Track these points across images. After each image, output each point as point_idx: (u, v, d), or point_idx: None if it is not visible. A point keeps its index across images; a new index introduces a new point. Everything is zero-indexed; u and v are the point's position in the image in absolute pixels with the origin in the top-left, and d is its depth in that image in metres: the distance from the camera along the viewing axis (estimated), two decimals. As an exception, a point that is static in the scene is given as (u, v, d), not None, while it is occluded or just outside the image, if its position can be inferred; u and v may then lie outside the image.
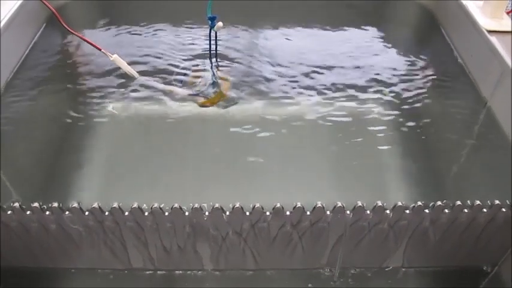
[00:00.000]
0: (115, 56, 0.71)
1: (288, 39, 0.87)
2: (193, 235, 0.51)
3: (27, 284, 0.55)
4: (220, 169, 0.64)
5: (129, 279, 0.55)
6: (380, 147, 0.67)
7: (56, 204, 0.48)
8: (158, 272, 0.55)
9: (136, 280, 0.55)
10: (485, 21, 0.72)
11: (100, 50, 0.69)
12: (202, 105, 0.73)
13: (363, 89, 0.76)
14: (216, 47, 0.78)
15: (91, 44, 0.69)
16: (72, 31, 0.71)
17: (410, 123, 0.70)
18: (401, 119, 0.71)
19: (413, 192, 0.61)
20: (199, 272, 0.55)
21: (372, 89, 0.76)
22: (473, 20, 0.74)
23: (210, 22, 0.71)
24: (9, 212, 0.48)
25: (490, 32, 0.70)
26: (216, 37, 0.76)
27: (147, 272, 0.55)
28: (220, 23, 0.71)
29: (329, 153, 0.66)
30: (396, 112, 0.72)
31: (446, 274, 0.57)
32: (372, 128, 0.69)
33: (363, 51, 0.84)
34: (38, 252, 0.54)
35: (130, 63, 0.75)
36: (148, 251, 0.53)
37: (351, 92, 0.75)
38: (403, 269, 0.56)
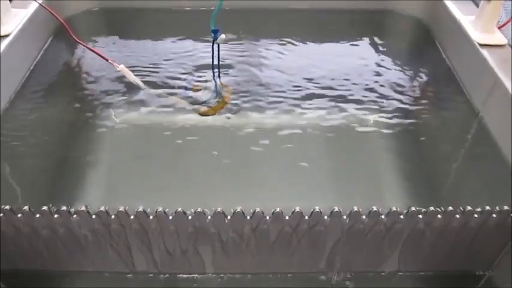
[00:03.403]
0: (121, 66, 0.73)
1: (286, 50, 0.89)
2: (195, 238, 0.53)
3: (33, 287, 0.56)
4: (221, 175, 0.65)
5: (133, 282, 0.56)
6: (375, 155, 0.69)
7: (64, 208, 0.49)
8: (161, 275, 0.57)
9: (140, 283, 0.56)
10: (477, 36, 0.74)
11: (107, 60, 0.71)
12: (204, 114, 0.75)
13: (360, 99, 0.78)
14: (218, 59, 0.80)
15: (98, 54, 0.71)
16: (80, 42, 0.73)
17: (405, 133, 0.72)
18: (396, 129, 0.73)
19: (407, 199, 0.63)
20: (201, 275, 0.57)
21: (368, 100, 0.78)
22: (466, 34, 0.76)
23: (213, 35, 0.73)
24: (19, 215, 0.50)
25: (482, 45, 0.73)
26: (218, 49, 0.78)
27: (151, 275, 0.57)
28: (223, 36, 0.73)
29: (327, 160, 0.68)
30: (391, 122, 0.74)
31: (441, 279, 0.58)
32: (367, 137, 0.71)
33: (359, 63, 0.87)
34: (44, 255, 0.55)
35: (136, 74, 0.77)
36: (152, 254, 0.54)
37: (348, 102, 0.77)
38: (399, 273, 0.57)
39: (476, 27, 0.76)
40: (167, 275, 0.57)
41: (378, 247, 0.54)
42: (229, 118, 0.74)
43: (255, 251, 0.54)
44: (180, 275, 0.57)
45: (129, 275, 0.57)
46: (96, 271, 0.57)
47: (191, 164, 0.67)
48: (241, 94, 0.78)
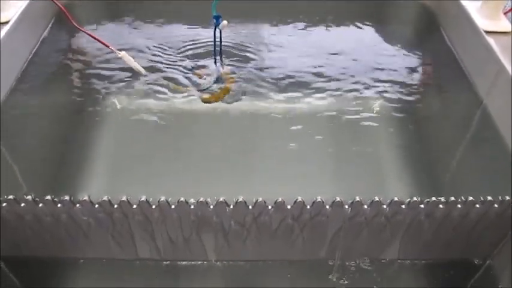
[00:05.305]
0: (123, 53, 0.72)
1: (289, 36, 0.88)
2: (197, 227, 0.53)
3: (38, 273, 0.57)
4: (224, 163, 0.66)
5: (137, 269, 0.57)
6: (378, 144, 0.69)
7: (67, 197, 0.50)
8: (164, 262, 0.57)
9: (143, 269, 0.57)
10: (483, 22, 0.73)
11: (108, 47, 0.70)
12: (206, 101, 0.75)
13: (363, 86, 0.77)
14: (220, 45, 0.79)
15: (99, 41, 0.70)
16: (80, 28, 0.72)
17: (408, 121, 0.72)
18: (399, 117, 0.73)
19: (409, 188, 0.63)
20: (204, 262, 0.57)
21: (371, 87, 0.77)
22: (471, 21, 0.75)
23: (215, 21, 0.72)
24: (22, 205, 0.50)
25: (487, 32, 0.72)
26: (220, 35, 0.78)
27: (154, 262, 0.57)
28: (225, 22, 0.72)
29: (330, 148, 0.68)
30: (394, 110, 0.74)
31: (440, 266, 0.58)
32: (370, 124, 0.71)
33: (364, 49, 0.86)
34: (48, 242, 0.55)
35: (137, 60, 0.76)
36: (155, 242, 0.55)
37: (351, 89, 0.77)
38: (399, 261, 0.58)
39: (481, 14, 0.74)
40: (170, 262, 0.57)
41: (379, 236, 0.54)
42: (231, 105, 0.74)
43: (256, 240, 0.55)
44: (183, 262, 0.57)
45: (132, 262, 0.57)
46: (101, 258, 0.57)
47: (193, 151, 0.67)
48: (243, 81, 0.78)
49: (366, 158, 0.67)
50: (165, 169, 0.65)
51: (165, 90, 0.76)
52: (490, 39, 0.70)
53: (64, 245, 0.56)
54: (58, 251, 0.57)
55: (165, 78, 0.78)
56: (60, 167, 0.65)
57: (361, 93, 0.77)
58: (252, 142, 0.69)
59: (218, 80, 0.78)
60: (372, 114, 0.73)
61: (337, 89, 0.77)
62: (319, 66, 0.81)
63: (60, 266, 0.57)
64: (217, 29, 0.75)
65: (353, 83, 0.78)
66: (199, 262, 0.57)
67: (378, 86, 0.78)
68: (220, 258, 0.57)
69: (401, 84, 0.78)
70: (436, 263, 0.58)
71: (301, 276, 0.57)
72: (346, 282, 0.56)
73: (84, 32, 0.72)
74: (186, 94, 0.75)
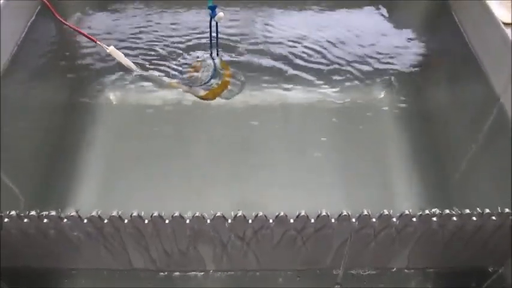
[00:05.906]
0: (111, 48, 0.68)
1: (291, 23, 0.83)
2: (194, 240, 0.50)
3: (30, 284, 0.55)
4: (222, 166, 0.63)
5: (131, 279, 0.55)
6: (385, 141, 0.66)
7: (53, 213, 0.47)
8: (160, 273, 0.55)
9: (138, 279, 0.55)
10: (501, 13, 0.69)
11: (95, 42, 0.66)
12: (203, 98, 0.71)
13: (370, 77, 0.74)
14: (217, 37, 0.75)
15: (86, 36, 0.66)
16: (64, 22, 0.67)
17: (418, 117, 0.68)
18: (409, 112, 0.69)
19: (418, 189, 0.61)
20: (201, 273, 0.55)
21: (379, 76, 0.74)
22: (488, 11, 0.70)
23: (210, 12, 0.68)
24: (6, 220, 0.47)
25: (506, 24, 0.67)
26: (216, 27, 0.73)
27: (149, 273, 0.55)
28: (221, 13, 0.68)
29: (335, 148, 0.65)
30: (404, 104, 0.70)
31: (451, 275, 0.56)
32: (376, 120, 0.68)
33: (372, 36, 0.81)
34: (39, 253, 0.53)
35: (127, 55, 0.72)
36: (150, 253, 0.52)
37: (357, 79, 0.73)
38: (407, 270, 0.56)
39: (499, 4, 0.70)
40: (166, 273, 0.55)
41: (388, 247, 0.52)
42: (230, 101, 0.71)
43: (257, 251, 0.52)
44: (180, 272, 0.55)
45: (127, 272, 0.55)
46: (94, 268, 0.55)
47: (189, 151, 0.64)
48: (242, 74, 0.74)
49: (374, 158, 0.64)
50: (162, 168, 0.62)
51: (159, 87, 0.72)
52: (509, 31, 0.66)
53: (55, 257, 0.54)
54: (50, 262, 0.55)
55: (159, 74, 0.74)
56: (54, 166, 0.63)
57: (367, 85, 0.73)
58: (252, 140, 0.66)
59: (214, 74, 0.74)
60: (379, 110, 0.70)
61: (342, 78, 0.73)
62: (323, 54, 0.77)
63: (54, 276, 0.56)
64: (212, 21, 0.71)
65: (359, 72, 0.74)
66: (197, 272, 0.55)
67: (386, 76, 0.74)
68: (219, 268, 0.55)
69: (412, 75, 0.74)
70: (447, 271, 0.56)
71: (306, 285, 0.55)
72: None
73: (70, 27, 0.68)
74: (181, 91, 0.72)
